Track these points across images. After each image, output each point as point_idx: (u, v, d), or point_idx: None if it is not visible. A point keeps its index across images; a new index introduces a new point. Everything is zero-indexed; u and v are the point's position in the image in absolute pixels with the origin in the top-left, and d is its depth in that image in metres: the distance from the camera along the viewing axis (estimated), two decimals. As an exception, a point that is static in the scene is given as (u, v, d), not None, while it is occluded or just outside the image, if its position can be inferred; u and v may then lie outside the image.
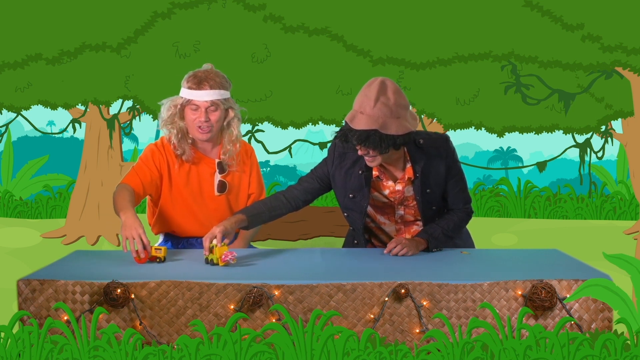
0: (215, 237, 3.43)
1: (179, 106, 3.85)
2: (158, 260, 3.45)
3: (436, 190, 3.72)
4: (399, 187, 3.71)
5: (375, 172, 3.69)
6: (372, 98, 3.46)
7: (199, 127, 3.83)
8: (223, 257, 3.36)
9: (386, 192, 3.73)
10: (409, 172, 3.68)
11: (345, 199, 3.75)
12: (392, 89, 3.49)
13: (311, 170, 3.83)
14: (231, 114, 3.89)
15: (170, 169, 3.90)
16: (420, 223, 3.81)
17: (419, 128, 3.75)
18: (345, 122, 3.51)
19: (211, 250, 3.41)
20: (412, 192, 3.71)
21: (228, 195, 3.96)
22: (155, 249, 3.46)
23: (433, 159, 3.68)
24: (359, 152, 3.56)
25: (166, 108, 3.89)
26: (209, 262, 3.40)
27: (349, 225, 3.93)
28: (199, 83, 3.81)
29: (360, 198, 3.71)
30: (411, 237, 3.73)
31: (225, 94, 3.85)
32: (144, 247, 3.43)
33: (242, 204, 4.01)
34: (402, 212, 3.78)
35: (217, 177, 3.93)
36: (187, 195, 3.92)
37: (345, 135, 3.53)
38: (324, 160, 3.80)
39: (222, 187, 3.94)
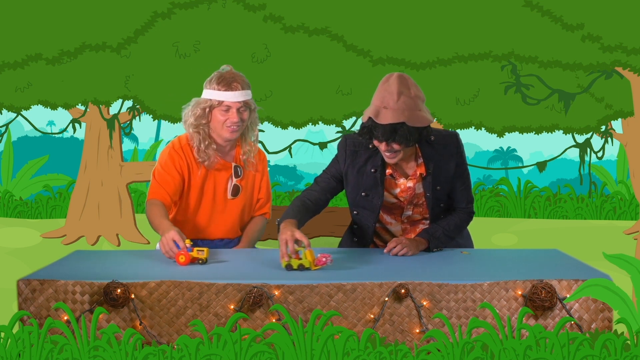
0: (302, 242, 3.29)
1: (207, 109, 3.80)
2: (200, 261, 3.39)
3: (445, 187, 3.72)
4: (410, 184, 3.70)
5: (388, 170, 3.68)
6: (394, 92, 3.45)
7: (228, 127, 3.80)
8: (323, 260, 3.25)
9: (397, 190, 3.71)
10: (421, 168, 3.67)
11: (358, 197, 3.73)
12: (411, 83, 3.50)
13: (324, 170, 3.80)
14: (254, 113, 3.89)
15: (191, 170, 3.88)
16: (426, 222, 3.80)
17: None
18: (369, 118, 3.47)
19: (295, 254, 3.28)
20: (422, 189, 3.71)
21: (239, 199, 3.96)
22: (198, 250, 3.40)
23: (444, 156, 3.68)
24: (383, 148, 3.53)
25: (192, 111, 3.83)
26: (297, 267, 3.24)
27: (348, 225, 3.92)
28: (229, 84, 3.78)
29: (373, 196, 3.69)
30: (413, 237, 3.73)
31: (250, 93, 3.84)
32: (182, 249, 3.38)
33: (250, 207, 4.01)
34: (410, 212, 3.78)
35: (233, 181, 3.93)
36: (200, 197, 3.90)
37: (370, 132, 3.50)
38: (335, 158, 3.77)
39: (236, 191, 3.93)
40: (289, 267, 3.25)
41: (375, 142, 3.54)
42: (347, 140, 3.73)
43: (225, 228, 3.96)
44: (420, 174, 3.67)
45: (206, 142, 3.83)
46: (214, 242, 4.00)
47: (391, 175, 3.68)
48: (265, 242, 4.55)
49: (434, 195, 3.69)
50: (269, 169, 4.16)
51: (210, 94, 3.81)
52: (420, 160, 3.67)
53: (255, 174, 4.00)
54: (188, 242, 3.42)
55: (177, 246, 3.41)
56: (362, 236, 3.81)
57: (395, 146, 3.50)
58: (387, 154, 3.55)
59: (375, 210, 3.71)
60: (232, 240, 4.03)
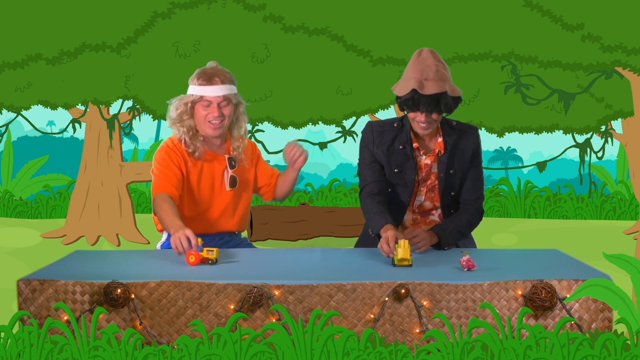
0: (411, 239, 3.38)
1: (189, 104, 3.85)
2: (210, 262, 3.38)
3: (458, 173, 3.80)
4: (428, 161, 3.79)
5: (415, 144, 3.77)
6: (432, 64, 3.61)
7: (210, 122, 3.84)
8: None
9: None
10: (440, 145, 3.78)
11: (390, 175, 3.80)
12: (439, 56, 3.67)
13: (359, 163, 3.87)
14: (240, 108, 3.93)
15: (188, 166, 3.90)
16: (435, 213, 3.84)
17: None
18: (413, 90, 3.57)
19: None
20: (437, 169, 3.78)
21: (236, 191, 3.97)
22: (207, 250, 3.39)
23: (462, 141, 3.80)
24: (422, 119, 3.64)
25: (175, 107, 3.89)
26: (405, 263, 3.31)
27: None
28: (209, 79, 3.83)
29: (406, 171, 3.78)
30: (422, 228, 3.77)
31: (234, 88, 3.88)
32: (193, 247, 3.38)
33: (248, 198, 4.03)
34: (423, 198, 3.80)
35: (229, 172, 3.95)
36: (198, 193, 3.92)
37: (414, 104, 3.60)
38: (362, 144, 3.86)
39: (233, 182, 3.96)
40: (394, 263, 3.34)
41: (413, 114, 3.66)
42: (372, 124, 3.87)
43: (230, 221, 3.97)
44: (439, 152, 3.77)
45: (190, 134, 3.87)
46: (223, 237, 3.99)
47: (417, 149, 3.78)
48: (265, 242, 4.56)
49: (447, 178, 3.77)
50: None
51: (192, 89, 3.86)
52: (441, 139, 3.78)
53: (249, 168, 4.02)
54: (200, 241, 3.41)
55: (190, 245, 3.40)
56: (399, 214, 3.83)
57: (435, 116, 3.64)
58: (423, 124, 3.67)
59: (409, 184, 3.78)
60: (237, 235, 4.04)
